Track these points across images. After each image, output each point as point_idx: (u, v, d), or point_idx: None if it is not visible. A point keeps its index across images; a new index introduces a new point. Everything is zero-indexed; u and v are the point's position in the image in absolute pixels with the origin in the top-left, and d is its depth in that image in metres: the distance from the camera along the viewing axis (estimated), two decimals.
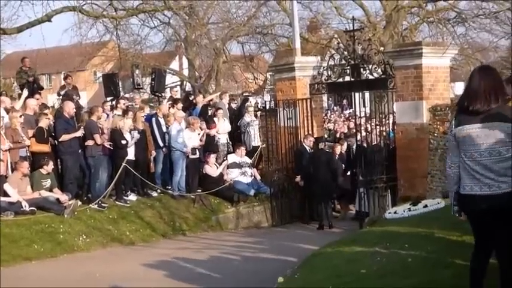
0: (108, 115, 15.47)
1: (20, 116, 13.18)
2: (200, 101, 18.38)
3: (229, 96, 20.05)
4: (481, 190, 5.12)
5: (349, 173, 16.73)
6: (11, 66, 26.71)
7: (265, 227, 15.85)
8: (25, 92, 15.52)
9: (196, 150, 15.70)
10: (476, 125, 5.12)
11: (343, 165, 17.30)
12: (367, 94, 18.68)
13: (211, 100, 19.02)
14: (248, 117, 17.79)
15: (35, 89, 17.25)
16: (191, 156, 15.58)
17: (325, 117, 19.41)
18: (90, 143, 13.80)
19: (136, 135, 14.69)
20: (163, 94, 20.92)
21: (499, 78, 5.27)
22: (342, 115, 26.85)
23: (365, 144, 15.80)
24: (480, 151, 5.11)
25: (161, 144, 15.57)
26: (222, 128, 17.14)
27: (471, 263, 5.46)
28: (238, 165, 16.47)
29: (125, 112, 15.42)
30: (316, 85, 16.36)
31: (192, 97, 19.94)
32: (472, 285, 5.41)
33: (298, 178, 15.94)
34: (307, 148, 16.01)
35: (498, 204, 5.07)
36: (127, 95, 25.62)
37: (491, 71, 5.31)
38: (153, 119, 15.84)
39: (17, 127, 12.91)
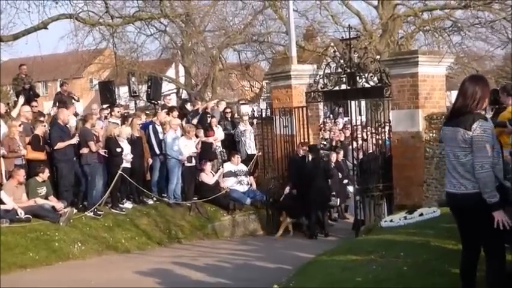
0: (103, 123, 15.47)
1: (20, 125, 13.14)
2: (201, 108, 18.37)
3: (226, 104, 20.08)
4: (449, 188, 5.57)
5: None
6: (7, 74, 26.67)
7: (260, 235, 15.82)
8: (21, 99, 15.50)
9: (192, 158, 15.68)
10: (448, 128, 5.56)
11: (339, 174, 17.31)
12: (363, 102, 18.65)
13: (206, 108, 18.92)
14: (242, 126, 17.79)
15: (31, 96, 17.23)
16: (187, 164, 15.56)
17: (321, 126, 19.37)
18: (85, 150, 13.77)
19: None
20: (159, 102, 20.94)
21: (485, 89, 5.47)
22: (336, 123, 26.80)
23: (361, 154, 15.83)
24: (448, 152, 5.57)
25: (157, 152, 15.55)
26: (218, 135, 17.14)
27: (460, 265, 5.72)
28: (234, 174, 16.46)
29: (125, 119, 15.42)
30: (312, 93, 16.37)
31: (189, 104, 19.90)
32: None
33: (287, 189, 15.88)
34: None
35: (456, 203, 5.55)
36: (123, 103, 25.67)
37: (480, 81, 5.54)
38: (150, 127, 15.84)
39: (15, 136, 12.87)
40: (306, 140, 16.25)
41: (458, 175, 5.44)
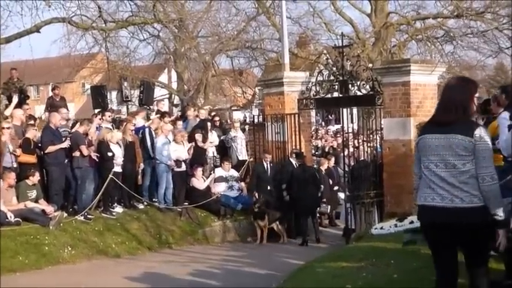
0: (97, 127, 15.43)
1: (8, 128, 13.05)
2: (191, 115, 18.35)
3: (209, 109, 20.15)
4: (433, 201, 4.99)
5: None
6: None
7: (251, 241, 15.80)
8: (15, 99, 15.47)
9: (182, 163, 15.66)
10: (436, 135, 5.01)
11: (330, 181, 17.34)
12: (355, 110, 18.75)
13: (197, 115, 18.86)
14: (233, 132, 17.81)
15: (21, 99, 17.19)
16: (176, 169, 15.54)
17: (313, 133, 19.45)
18: (76, 154, 13.73)
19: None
20: (151, 107, 20.94)
21: (469, 91, 5.06)
22: (328, 130, 26.91)
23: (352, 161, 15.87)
24: (436, 162, 4.99)
25: (152, 155, 15.51)
26: (211, 140, 17.15)
27: None
28: (225, 179, 16.46)
29: (120, 123, 15.39)
30: (304, 100, 16.40)
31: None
32: None
33: (256, 195, 16.02)
34: (294, 163, 16.01)
35: (447, 218, 4.90)
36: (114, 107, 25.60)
37: (464, 83, 5.15)
38: (146, 130, 15.82)
39: (6, 139, 12.77)
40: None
41: (450, 186, 4.89)
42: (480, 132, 4.86)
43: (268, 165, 16.27)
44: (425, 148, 5.08)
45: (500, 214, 4.83)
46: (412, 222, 10.67)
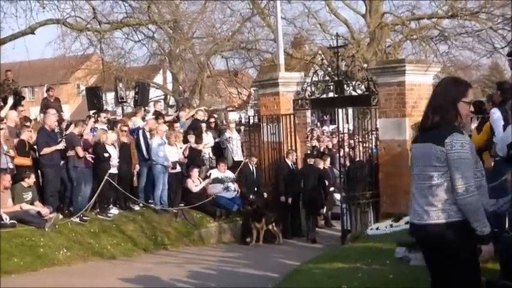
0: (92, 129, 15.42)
1: (1, 129, 13.01)
2: (184, 115, 18.33)
3: (206, 111, 20.14)
4: (413, 217, 4.63)
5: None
6: None
7: (247, 242, 15.78)
8: (10, 100, 15.43)
9: (177, 164, 15.65)
10: (419, 144, 4.62)
11: (326, 181, 17.35)
12: (350, 110, 18.76)
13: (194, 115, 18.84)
14: (228, 133, 17.81)
15: (16, 100, 17.15)
16: (171, 171, 15.52)
17: (308, 133, 19.44)
18: (71, 153, 13.68)
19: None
20: (146, 108, 20.92)
21: (454, 94, 4.53)
22: (323, 131, 26.92)
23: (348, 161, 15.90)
24: (419, 174, 4.60)
25: (147, 157, 15.50)
26: (206, 142, 17.14)
27: None
28: (220, 181, 16.44)
29: (115, 124, 15.37)
30: (299, 101, 16.41)
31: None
32: None
33: (252, 197, 16.32)
34: (290, 164, 16.05)
35: (420, 235, 4.60)
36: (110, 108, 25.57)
37: (449, 86, 4.62)
38: (140, 132, 15.80)
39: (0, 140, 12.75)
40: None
41: (425, 200, 4.49)
42: (452, 139, 4.36)
43: (253, 167, 16.39)
44: (412, 159, 4.73)
45: (480, 229, 4.30)
46: (407, 222, 10.72)
